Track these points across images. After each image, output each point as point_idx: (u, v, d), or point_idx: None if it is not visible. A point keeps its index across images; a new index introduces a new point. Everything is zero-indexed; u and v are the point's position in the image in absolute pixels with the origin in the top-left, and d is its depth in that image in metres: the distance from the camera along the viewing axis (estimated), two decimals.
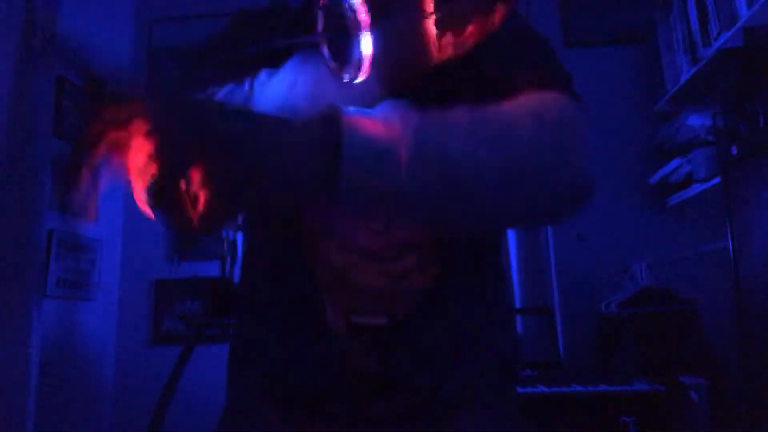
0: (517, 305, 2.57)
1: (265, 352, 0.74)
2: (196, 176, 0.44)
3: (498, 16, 0.57)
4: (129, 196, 0.43)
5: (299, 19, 0.69)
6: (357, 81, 0.55)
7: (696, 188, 2.27)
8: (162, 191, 0.44)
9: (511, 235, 2.63)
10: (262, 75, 0.66)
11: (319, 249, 0.68)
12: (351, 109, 0.51)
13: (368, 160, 0.49)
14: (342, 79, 0.56)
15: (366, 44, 0.53)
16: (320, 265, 0.68)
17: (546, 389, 1.95)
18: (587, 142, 0.65)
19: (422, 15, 0.56)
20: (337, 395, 0.69)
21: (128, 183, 0.46)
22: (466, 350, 0.71)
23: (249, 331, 0.79)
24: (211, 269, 2.66)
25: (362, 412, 0.68)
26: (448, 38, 0.57)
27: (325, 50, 0.57)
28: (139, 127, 0.45)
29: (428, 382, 0.69)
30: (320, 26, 0.58)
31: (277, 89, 0.64)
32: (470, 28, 0.58)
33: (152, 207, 0.45)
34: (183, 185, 0.45)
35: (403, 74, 0.62)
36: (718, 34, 2.10)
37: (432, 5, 0.56)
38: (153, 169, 0.45)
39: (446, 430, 0.69)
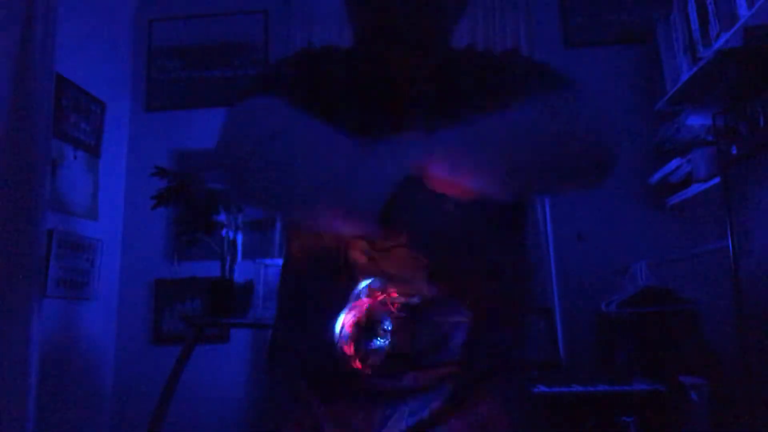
0: None
1: (303, 339, 0.83)
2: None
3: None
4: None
5: (349, 61, 0.83)
6: None
7: (696, 188, 2.26)
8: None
9: None
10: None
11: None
12: None
13: None
14: None
15: None
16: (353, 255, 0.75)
17: (546, 389, 1.95)
18: (604, 115, 0.80)
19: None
20: (358, 375, 0.74)
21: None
22: (483, 339, 0.78)
23: (284, 323, 0.88)
24: (211, 269, 2.66)
25: (393, 387, 0.75)
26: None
27: None
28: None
29: (448, 359, 0.76)
30: None
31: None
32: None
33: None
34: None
35: None
36: (718, 34, 2.10)
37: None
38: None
39: (462, 407, 0.76)
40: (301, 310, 0.84)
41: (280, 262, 0.95)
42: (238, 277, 2.23)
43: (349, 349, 0.70)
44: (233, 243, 2.22)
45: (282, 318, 0.90)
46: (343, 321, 0.71)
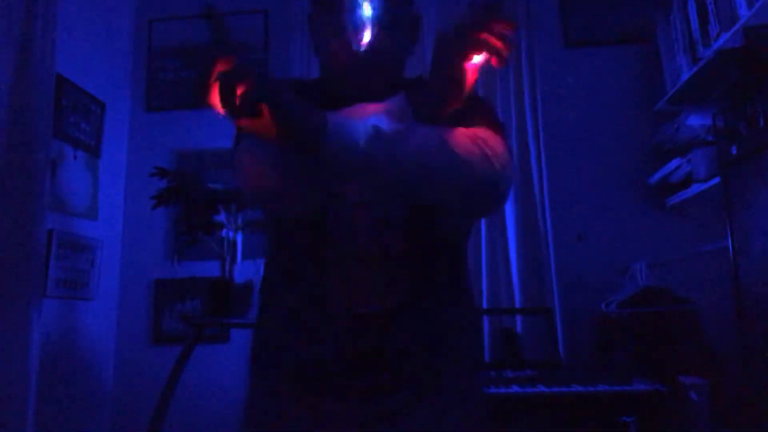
0: (517, 305, 2.57)
1: (282, 340, 0.96)
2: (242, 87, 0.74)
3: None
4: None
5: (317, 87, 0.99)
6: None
7: (696, 188, 2.26)
8: (223, 92, 0.73)
9: (511, 236, 2.63)
10: None
11: (327, 255, 0.91)
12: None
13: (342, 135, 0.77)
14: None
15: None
16: (329, 268, 0.91)
17: (546, 389, 1.95)
18: (506, 164, 0.86)
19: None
20: (337, 371, 0.89)
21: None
22: (440, 341, 0.93)
23: (268, 324, 1.02)
24: (211, 269, 2.66)
25: (356, 386, 0.89)
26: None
27: None
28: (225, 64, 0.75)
29: (407, 363, 0.90)
30: None
31: None
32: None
33: (220, 101, 0.73)
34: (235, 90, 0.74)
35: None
36: (718, 34, 2.10)
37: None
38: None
39: (418, 406, 0.90)
40: (281, 303, 0.98)
41: None
42: (238, 277, 2.23)
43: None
44: (233, 243, 2.22)
45: (266, 314, 1.03)
46: None
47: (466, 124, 0.86)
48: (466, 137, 0.83)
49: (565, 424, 1.91)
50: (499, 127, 0.91)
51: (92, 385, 2.61)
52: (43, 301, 2.10)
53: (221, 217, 2.18)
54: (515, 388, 1.97)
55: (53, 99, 2.15)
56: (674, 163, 2.38)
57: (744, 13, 1.94)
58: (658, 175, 2.52)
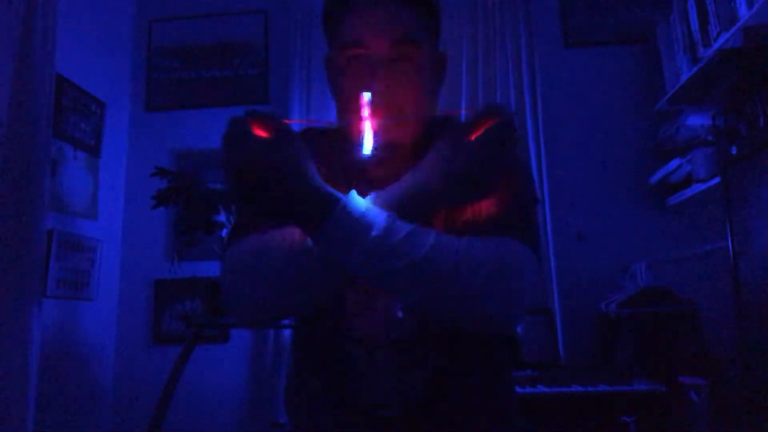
0: None
1: (313, 408, 0.89)
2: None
3: None
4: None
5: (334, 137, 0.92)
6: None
7: (696, 188, 2.26)
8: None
9: None
10: None
11: (351, 352, 0.85)
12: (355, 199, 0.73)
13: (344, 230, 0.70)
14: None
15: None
16: (346, 359, 0.85)
17: (546, 389, 1.95)
18: (525, 291, 0.77)
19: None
20: None
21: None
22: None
23: (301, 393, 0.94)
24: (211, 269, 2.67)
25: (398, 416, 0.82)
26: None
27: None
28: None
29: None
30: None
31: None
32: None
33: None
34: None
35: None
36: (718, 34, 2.10)
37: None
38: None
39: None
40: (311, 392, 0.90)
41: None
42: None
43: None
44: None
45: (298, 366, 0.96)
46: None
47: (492, 198, 0.79)
48: (478, 248, 0.74)
49: (565, 424, 1.91)
50: (525, 227, 0.81)
51: (92, 385, 2.61)
52: (43, 301, 2.10)
53: (221, 217, 2.18)
54: (515, 388, 1.97)
55: (53, 99, 2.15)
56: (674, 163, 2.38)
57: (744, 13, 1.94)
58: (658, 175, 2.52)
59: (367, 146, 0.81)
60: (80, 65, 2.58)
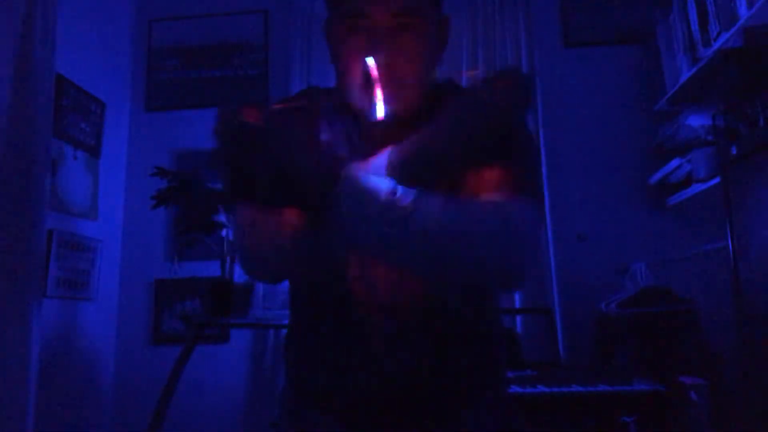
0: (517, 305, 2.57)
1: (313, 366, 0.92)
2: None
3: None
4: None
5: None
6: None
7: (696, 188, 2.26)
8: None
9: None
10: None
11: (351, 314, 0.87)
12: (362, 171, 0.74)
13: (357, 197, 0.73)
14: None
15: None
16: (348, 329, 0.87)
17: (546, 389, 1.95)
18: (531, 243, 0.84)
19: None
20: (365, 397, 0.86)
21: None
22: (467, 358, 0.88)
23: (300, 352, 0.96)
24: (211, 269, 2.66)
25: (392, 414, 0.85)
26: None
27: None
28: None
29: (433, 381, 0.86)
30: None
31: None
32: None
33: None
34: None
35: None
36: (718, 34, 2.10)
37: None
38: None
39: (451, 426, 0.86)
40: (316, 349, 0.92)
41: None
42: (238, 277, 2.23)
43: None
44: (233, 243, 2.22)
45: (297, 363, 0.96)
46: None
47: (494, 165, 0.81)
48: (487, 211, 0.77)
49: (565, 424, 1.91)
50: (531, 185, 0.85)
51: (92, 385, 2.61)
52: (43, 301, 2.10)
53: (221, 217, 2.18)
54: (515, 388, 1.97)
55: (53, 99, 2.15)
56: (674, 163, 2.38)
57: (744, 13, 1.94)
58: (658, 175, 2.52)
59: (380, 109, 0.82)
60: (80, 65, 2.58)
